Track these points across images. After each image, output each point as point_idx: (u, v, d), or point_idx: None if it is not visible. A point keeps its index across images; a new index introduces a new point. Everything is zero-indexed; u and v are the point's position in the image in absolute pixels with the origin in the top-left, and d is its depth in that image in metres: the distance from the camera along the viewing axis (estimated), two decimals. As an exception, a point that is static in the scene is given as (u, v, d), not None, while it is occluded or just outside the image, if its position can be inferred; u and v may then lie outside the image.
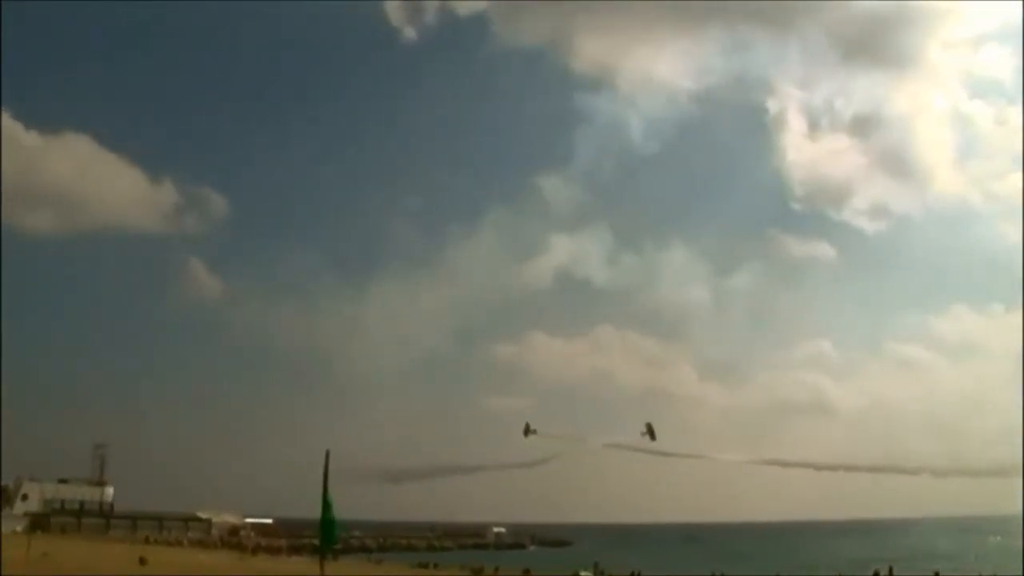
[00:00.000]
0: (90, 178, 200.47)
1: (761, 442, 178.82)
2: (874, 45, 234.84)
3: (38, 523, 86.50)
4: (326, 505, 15.43)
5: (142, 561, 47.40)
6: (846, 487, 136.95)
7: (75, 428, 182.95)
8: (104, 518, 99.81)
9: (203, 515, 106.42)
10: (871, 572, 61.50)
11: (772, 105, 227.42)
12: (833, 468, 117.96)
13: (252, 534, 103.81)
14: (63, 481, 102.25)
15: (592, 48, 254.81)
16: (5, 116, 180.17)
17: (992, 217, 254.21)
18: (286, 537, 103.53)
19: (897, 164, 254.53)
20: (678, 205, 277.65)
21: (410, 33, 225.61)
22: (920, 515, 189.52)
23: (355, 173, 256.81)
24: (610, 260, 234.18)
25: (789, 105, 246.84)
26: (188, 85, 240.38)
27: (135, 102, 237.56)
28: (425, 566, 69.66)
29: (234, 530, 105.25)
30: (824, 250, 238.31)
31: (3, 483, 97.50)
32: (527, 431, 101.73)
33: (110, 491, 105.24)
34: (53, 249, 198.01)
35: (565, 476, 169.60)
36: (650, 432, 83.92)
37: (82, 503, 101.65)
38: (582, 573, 60.25)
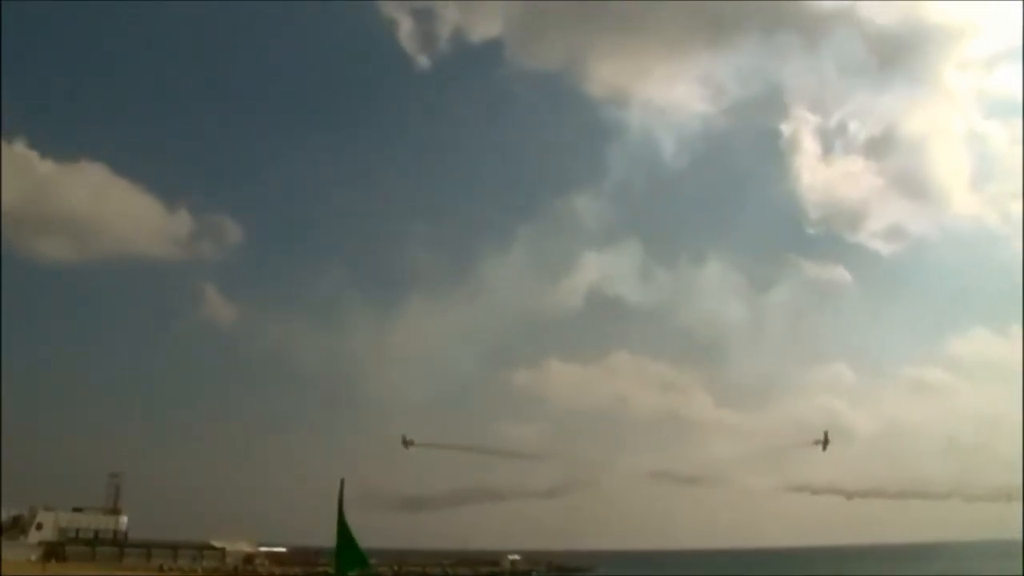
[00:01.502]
0: (105, 205, 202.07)
1: (780, 467, 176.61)
2: (889, 66, 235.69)
3: (52, 552, 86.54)
4: (341, 534, 15.36)
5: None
6: (868, 512, 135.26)
7: (90, 456, 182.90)
8: (118, 547, 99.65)
9: (217, 543, 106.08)
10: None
11: (786, 128, 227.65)
12: (863, 495, 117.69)
13: (267, 562, 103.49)
14: (77, 510, 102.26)
15: (606, 72, 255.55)
16: (20, 145, 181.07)
17: (1009, 238, 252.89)
18: (301, 565, 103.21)
19: (913, 185, 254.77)
20: (693, 230, 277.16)
21: (423, 61, 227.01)
22: (944, 539, 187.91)
23: (374, 197, 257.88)
24: (633, 281, 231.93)
25: (803, 128, 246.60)
26: (204, 114, 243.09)
27: (151, 130, 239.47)
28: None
29: (248, 558, 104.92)
30: (840, 273, 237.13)
31: (18, 512, 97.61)
32: (406, 443, 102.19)
33: (124, 520, 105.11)
34: (68, 276, 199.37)
35: (582, 503, 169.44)
36: (825, 441, 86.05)
37: (96, 532, 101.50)
38: None
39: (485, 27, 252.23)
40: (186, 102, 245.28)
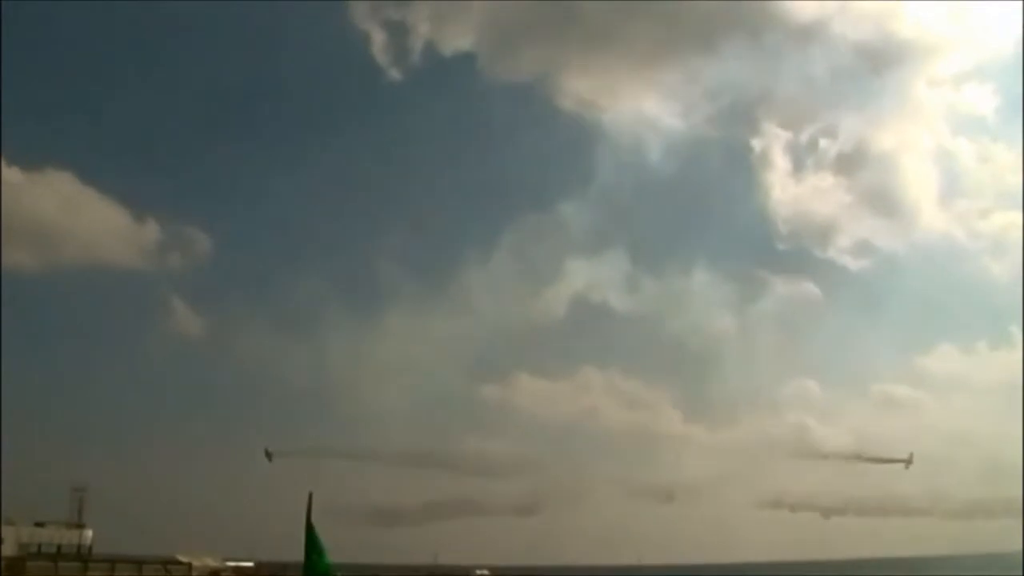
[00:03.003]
0: (72, 215, 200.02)
1: (752, 483, 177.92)
2: (860, 82, 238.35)
3: (12, 567, 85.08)
4: (309, 548, 15.26)
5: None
6: (841, 527, 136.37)
7: (53, 470, 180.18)
8: (82, 562, 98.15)
9: (183, 558, 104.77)
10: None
11: (757, 143, 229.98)
12: (840, 512, 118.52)
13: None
14: (39, 524, 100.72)
15: (577, 85, 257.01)
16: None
17: (976, 254, 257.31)
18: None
19: (882, 202, 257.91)
20: (662, 245, 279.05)
21: (395, 74, 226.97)
22: (916, 554, 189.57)
23: (348, 209, 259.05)
24: (615, 291, 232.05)
25: (774, 143, 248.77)
26: (174, 123, 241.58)
27: (119, 139, 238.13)
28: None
29: (214, 573, 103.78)
30: (809, 289, 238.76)
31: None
32: (268, 455, 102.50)
33: (89, 534, 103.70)
34: (31, 286, 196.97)
35: (553, 518, 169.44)
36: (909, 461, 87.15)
37: (59, 547, 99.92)
38: None
39: (457, 40, 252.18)
40: (156, 111, 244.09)
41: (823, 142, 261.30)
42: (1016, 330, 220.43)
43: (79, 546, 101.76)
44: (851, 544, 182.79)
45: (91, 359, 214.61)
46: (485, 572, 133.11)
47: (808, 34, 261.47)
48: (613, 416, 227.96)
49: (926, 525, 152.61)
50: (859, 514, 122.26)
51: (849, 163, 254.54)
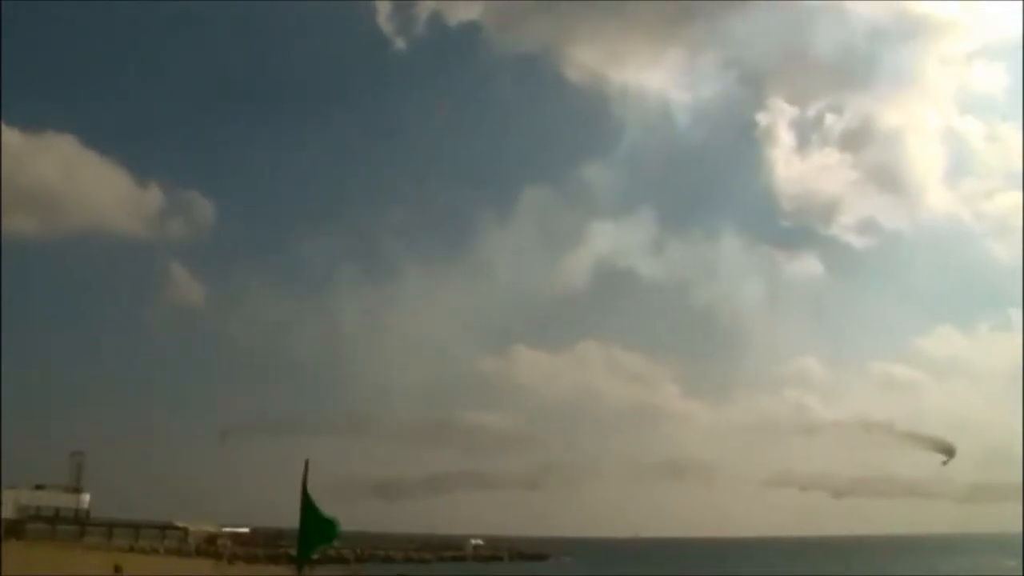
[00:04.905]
0: (73, 179, 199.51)
1: (755, 460, 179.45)
2: (871, 59, 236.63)
3: (12, 530, 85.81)
4: (305, 516, 15.40)
5: (117, 569, 47.00)
6: (846, 506, 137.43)
7: (53, 435, 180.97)
8: (79, 525, 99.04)
9: (180, 523, 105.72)
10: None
11: (762, 119, 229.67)
12: (848, 492, 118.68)
13: (229, 543, 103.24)
14: (39, 487, 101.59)
15: (584, 57, 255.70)
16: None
17: (981, 236, 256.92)
18: (264, 546, 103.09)
19: (887, 180, 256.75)
20: (664, 218, 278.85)
21: (400, 44, 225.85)
22: (912, 531, 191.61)
23: (355, 176, 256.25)
24: (600, 272, 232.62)
25: (779, 119, 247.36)
26: (176, 88, 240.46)
27: (121, 102, 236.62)
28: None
29: (211, 539, 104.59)
30: (813, 265, 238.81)
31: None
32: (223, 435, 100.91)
33: (86, 498, 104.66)
34: (31, 252, 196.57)
35: (549, 489, 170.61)
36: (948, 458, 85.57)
37: (57, 510, 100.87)
38: None
39: (463, 10, 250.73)
40: (159, 76, 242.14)
41: (829, 118, 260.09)
42: (1016, 313, 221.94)
43: (77, 510, 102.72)
44: (856, 522, 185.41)
45: (91, 325, 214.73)
46: (479, 541, 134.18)
47: (819, 11, 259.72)
48: (615, 390, 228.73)
49: (930, 506, 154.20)
50: (866, 495, 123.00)
51: (855, 140, 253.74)
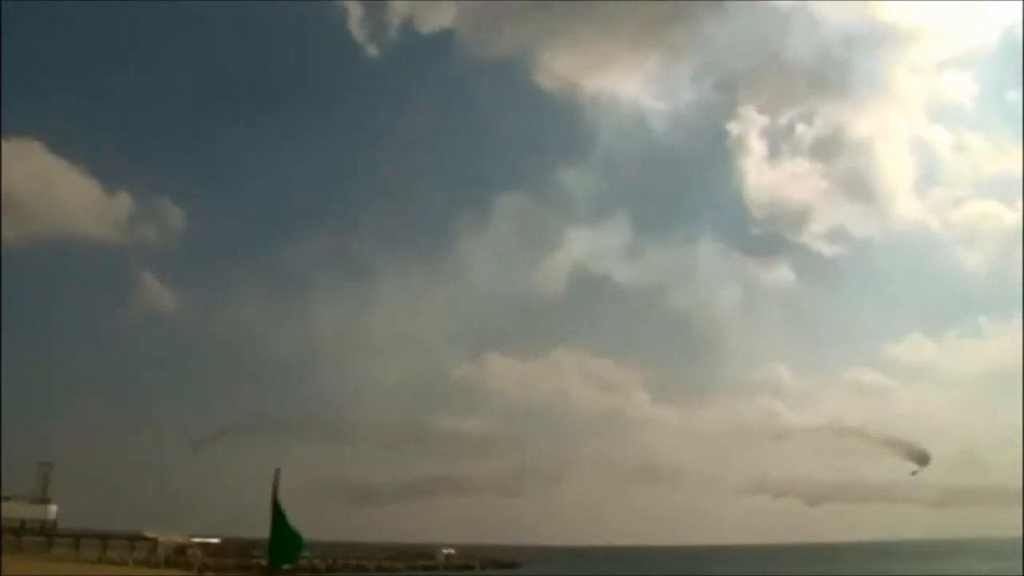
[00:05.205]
0: (41, 186, 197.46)
1: (729, 466, 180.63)
2: (842, 69, 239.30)
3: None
4: (275, 525, 15.32)
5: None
6: (822, 512, 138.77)
7: (18, 445, 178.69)
8: (46, 536, 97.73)
9: (149, 534, 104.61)
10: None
11: (734, 128, 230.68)
12: (824, 500, 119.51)
13: (199, 553, 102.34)
14: (4, 499, 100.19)
15: (557, 65, 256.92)
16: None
17: (949, 244, 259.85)
18: (235, 556, 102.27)
19: (857, 188, 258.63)
20: (636, 225, 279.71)
21: (373, 50, 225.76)
22: (886, 537, 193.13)
23: (328, 183, 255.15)
24: (575, 277, 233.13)
25: (751, 128, 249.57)
26: (146, 94, 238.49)
27: (89, 108, 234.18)
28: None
29: (181, 549, 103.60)
30: (783, 273, 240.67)
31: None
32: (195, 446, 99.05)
33: (53, 509, 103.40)
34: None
35: (522, 496, 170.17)
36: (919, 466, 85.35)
37: (23, 521, 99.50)
38: None
39: (435, 17, 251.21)
40: (128, 81, 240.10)
41: (800, 127, 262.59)
42: (985, 321, 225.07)
43: (43, 521, 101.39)
44: (831, 529, 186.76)
45: (59, 333, 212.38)
46: (451, 550, 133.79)
47: (789, 20, 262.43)
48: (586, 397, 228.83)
49: (904, 512, 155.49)
50: (839, 501, 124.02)
51: (825, 149, 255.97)
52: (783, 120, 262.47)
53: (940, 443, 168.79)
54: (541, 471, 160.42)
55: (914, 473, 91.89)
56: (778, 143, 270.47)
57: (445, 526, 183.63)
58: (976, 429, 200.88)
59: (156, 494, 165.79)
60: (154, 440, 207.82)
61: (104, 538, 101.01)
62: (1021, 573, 76.75)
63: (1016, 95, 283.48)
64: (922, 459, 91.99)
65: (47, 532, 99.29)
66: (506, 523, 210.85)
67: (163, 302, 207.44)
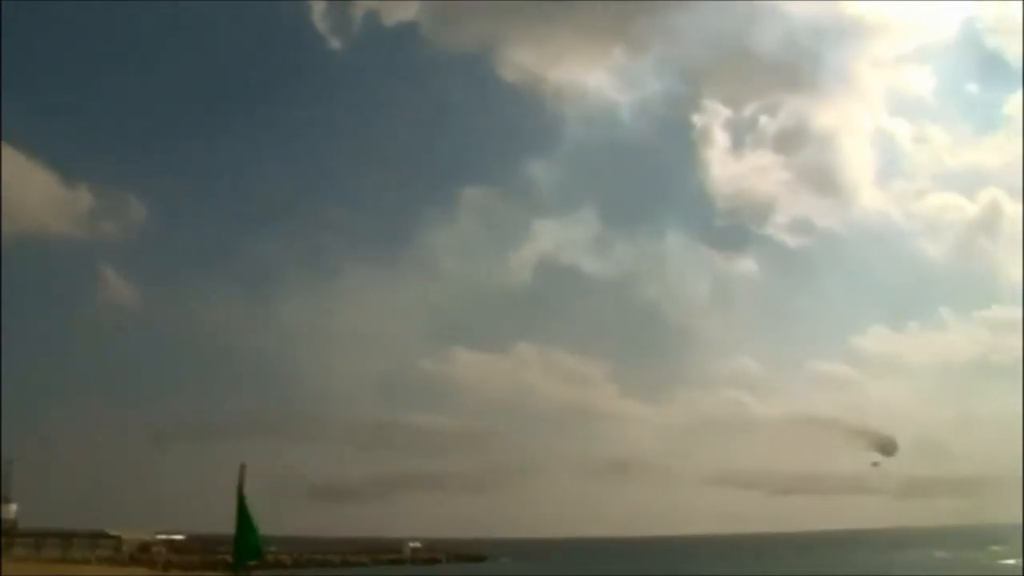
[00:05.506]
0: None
1: (689, 458, 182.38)
2: (805, 61, 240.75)
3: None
4: (241, 522, 15.36)
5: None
6: (788, 503, 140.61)
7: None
8: (6, 537, 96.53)
9: (112, 532, 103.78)
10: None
11: (698, 120, 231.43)
12: (790, 491, 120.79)
13: (164, 550, 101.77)
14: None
15: (523, 57, 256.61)
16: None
17: (911, 235, 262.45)
18: (200, 553, 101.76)
19: (821, 180, 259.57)
20: (602, 217, 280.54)
21: (335, 43, 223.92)
22: (853, 527, 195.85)
23: (292, 177, 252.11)
24: (541, 270, 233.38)
25: (714, 121, 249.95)
26: (105, 87, 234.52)
27: (47, 102, 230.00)
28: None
29: (145, 547, 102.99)
30: (747, 265, 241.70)
31: None
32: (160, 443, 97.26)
33: (14, 508, 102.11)
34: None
35: (490, 490, 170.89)
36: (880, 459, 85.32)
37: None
38: None
39: (399, 10, 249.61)
40: (88, 73, 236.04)
41: (763, 120, 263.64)
42: (946, 312, 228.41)
43: (3, 521, 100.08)
44: (798, 519, 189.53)
45: (17, 329, 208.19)
46: (417, 544, 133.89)
47: (756, 10, 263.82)
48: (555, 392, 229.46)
49: (870, 502, 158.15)
50: (806, 492, 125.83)
51: (789, 141, 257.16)
52: (747, 112, 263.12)
53: (904, 434, 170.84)
54: (508, 465, 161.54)
55: (875, 464, 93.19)
56: (742, 135, 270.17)
57: (412, 520, 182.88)
58: (938, 420, 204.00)
59: (120, 492, 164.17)
60: (117, 438, 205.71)
61: (67, 537, 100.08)
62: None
63: (975, 88, 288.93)
64: (890, 448, 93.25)
65: (7, 532, 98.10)
66: (473, 516, 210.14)
67: (127, 298, 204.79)
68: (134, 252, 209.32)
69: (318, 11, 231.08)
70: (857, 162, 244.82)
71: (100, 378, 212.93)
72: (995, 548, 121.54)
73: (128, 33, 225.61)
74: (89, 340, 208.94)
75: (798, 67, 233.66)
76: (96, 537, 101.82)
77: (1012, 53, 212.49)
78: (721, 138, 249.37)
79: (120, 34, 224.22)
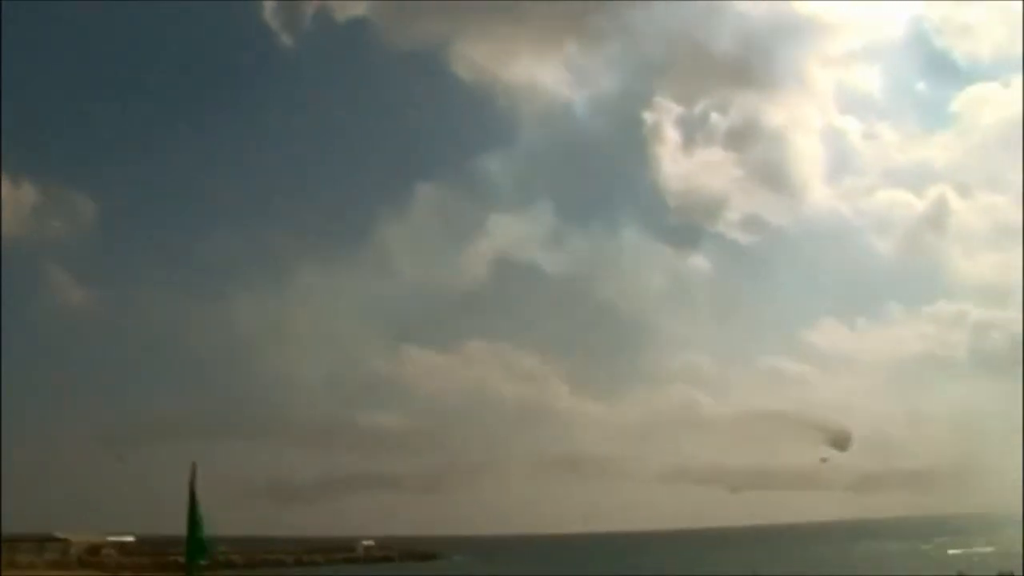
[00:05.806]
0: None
1: (643, 454, 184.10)
2: (756, 59, 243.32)
3: None
4: (193, 521, 15.57)
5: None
6: (733, 496, 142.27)
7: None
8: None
9: (60, 534, 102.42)
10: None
11: (649, 117, 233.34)
12: (745, 487, 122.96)
13: (114, 553, 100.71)
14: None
15: (474, 54, 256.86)
16: None
17: (861, 231, 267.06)
18: (150, 555, 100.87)
19: (771, 177, 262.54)
20: (555, 215, 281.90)
21: (286, 40, 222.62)
22: (810, 519, 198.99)
23: (243, 175, 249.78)
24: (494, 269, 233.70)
25: (665, 118, 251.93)
26: (53, 82, 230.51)
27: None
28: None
29: (94, 549, 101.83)
30: (699, 262, 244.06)
31: None
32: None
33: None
34: None
35: (444, 489, 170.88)
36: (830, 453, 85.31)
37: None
38: None
39: (351, 6, 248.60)
40: (31, 70, 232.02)
41: (714, 116, 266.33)
42: (895, 307, 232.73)
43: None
44: (754, 513, 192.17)
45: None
46: (370, 542, 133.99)
47: (708, 7, 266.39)
48: (507, 389, 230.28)
49: (825, 496, 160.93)
50: (761, 487, 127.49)
51: (739, 138, 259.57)
52: (698, 109, 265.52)
53: (855, 429, 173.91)
54: (461, 463, 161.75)
55: (824, 460, 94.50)
56: (693, 132, 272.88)
57: (365, 520, 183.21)
58: (888, 415, 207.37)
59: (67, 494, 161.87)
60: (64, 439, 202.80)
61: (12, 541, 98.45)
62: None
63: (923, 86, 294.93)
64: (843, 442, 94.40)
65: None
66: (427, 514, 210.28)
67: (72, 297, 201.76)
68: (82, 251, 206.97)
69: (269, 8, 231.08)
70: (807, 159, 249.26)
71: (46, 378, 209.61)
72: (941, 540, 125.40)
73: (76, 30, 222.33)
74: (35, 340, 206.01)
75: (749, 64, 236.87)
76: (43, 540, 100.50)
77: (959, 52, 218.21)
78: (673, 135, 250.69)
79: (68, 31, 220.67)
